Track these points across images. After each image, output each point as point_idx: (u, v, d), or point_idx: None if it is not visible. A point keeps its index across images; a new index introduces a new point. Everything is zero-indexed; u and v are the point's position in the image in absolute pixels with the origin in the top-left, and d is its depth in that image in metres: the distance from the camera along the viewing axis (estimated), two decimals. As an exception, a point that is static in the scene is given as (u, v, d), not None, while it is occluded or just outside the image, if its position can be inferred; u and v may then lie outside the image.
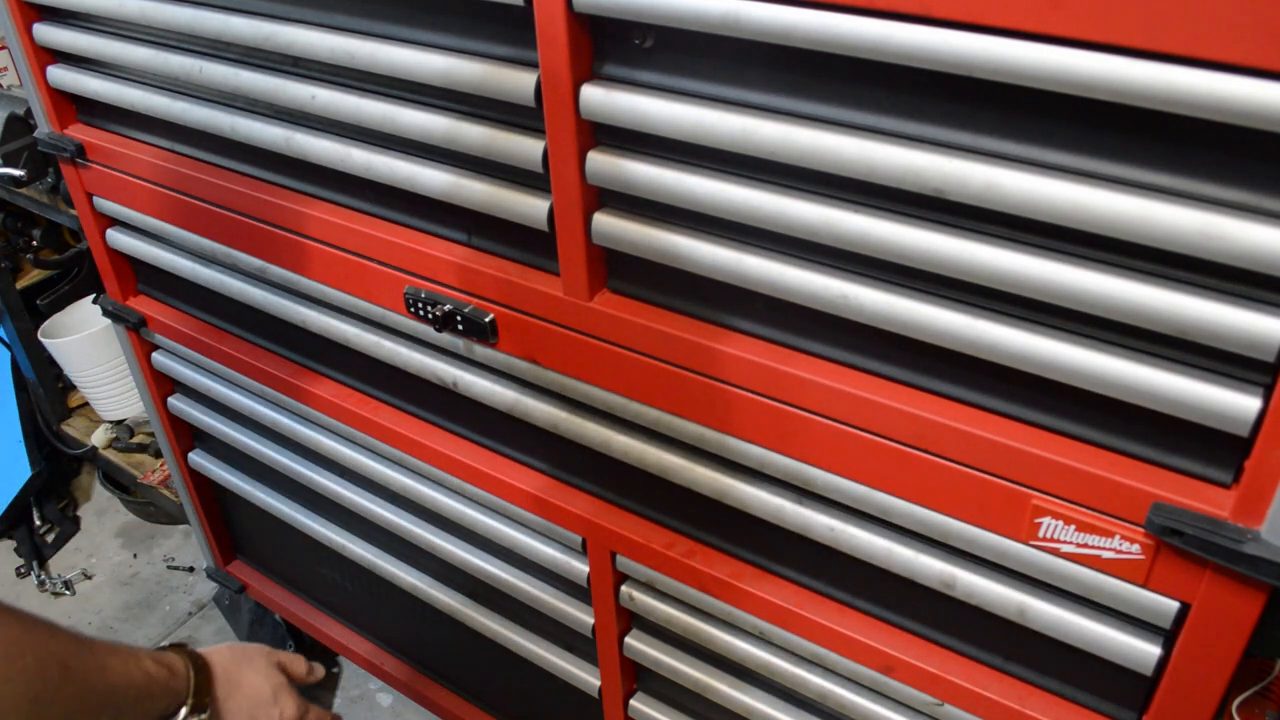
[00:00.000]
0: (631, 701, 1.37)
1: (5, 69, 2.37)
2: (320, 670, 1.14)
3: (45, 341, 2.43)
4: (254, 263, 1.38)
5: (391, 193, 1.17)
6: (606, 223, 0.98)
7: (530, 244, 1.08)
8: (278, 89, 1.18)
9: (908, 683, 1.02)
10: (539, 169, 0.98)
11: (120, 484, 2.54)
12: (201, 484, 1.90)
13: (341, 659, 2.15)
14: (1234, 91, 0.61)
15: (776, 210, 0.85)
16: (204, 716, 0.91)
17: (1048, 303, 0.76)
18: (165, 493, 2.38)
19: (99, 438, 2.47)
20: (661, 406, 1.05)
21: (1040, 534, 0.84)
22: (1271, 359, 0.69)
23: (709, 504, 1.08)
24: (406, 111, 1.07)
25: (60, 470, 2.67)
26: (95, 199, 1.58)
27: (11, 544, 2.52)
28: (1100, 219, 0.70)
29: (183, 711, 0.89)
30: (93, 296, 1.95)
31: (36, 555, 2.47)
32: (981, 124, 0.75)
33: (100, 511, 2.64)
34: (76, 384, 2.53)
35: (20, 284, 2.53)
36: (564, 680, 1.43)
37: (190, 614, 2.33)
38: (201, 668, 0.93)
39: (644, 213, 0.97)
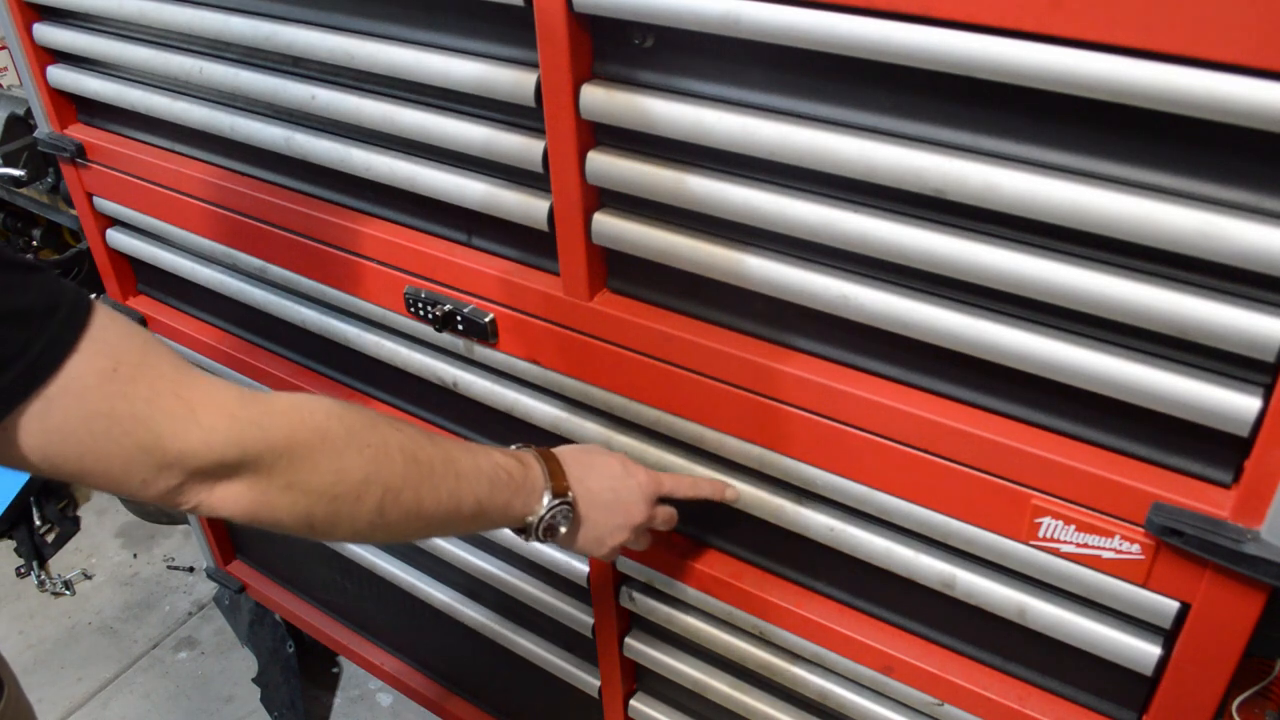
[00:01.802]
0: (631, 701, 1.37)
1: (5, 69, 2.37)
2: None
3: (45, 341, 2.42)
4: (254, 263, 1.38)
5: (391, 193, 1.17)
6: (606, 223, 0.98)
7: (530, 244, 1.08)
8: (278, 89, 1.18)
9: (908, 683, 1.02)
10: (539, 169, 0.98)
11: (120, 484, 2.53)
12: (201, 484, 1.90)
13: (341, 659, 2.15)
14: (1234, 91, 0.61)
15: (776, 210, 0.85)
16: (568, 500, 0.90)
17: (1048, 303, 0.76)
18: (165, 493, 2.38)
19: (99, 438, 2.47)
20: (661, 406, 1.05)
21: (1040, 534, 0.84)
22: (1271, 359, 0.69)
23: (708, 504, 1.08)
24: (406, 111, 1.07)
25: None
26: (95, 199, 1.58)
27: (11, 544, 2.52)
28: (1100, 219, 0.70)
29: (545, 499, 0.88)
30: (93, 296, 1.95)
31: (36, 555, 2.47)
32: (981, 124, 0.75)
33: (100, 511, 2.64)
34: (76, 384, 2.53)
35: (20, 284, 2.53)
36: (564, 680, 1.43)
37: (190, 614, 2.33)
38: (549, 457, 0.92)
39: (644, 213, 0.97)
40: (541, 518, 0.89)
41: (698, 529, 1.15)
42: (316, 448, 0.73)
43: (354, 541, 0.86)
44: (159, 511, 2.52)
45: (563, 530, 0.92)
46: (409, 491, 0.79)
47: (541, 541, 0.92)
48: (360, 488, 0.76)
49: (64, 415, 0.62)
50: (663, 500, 1.01)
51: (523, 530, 0.91)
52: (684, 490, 1.02)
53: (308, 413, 0.73)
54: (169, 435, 0.65)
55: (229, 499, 0.70)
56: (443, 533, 0.90)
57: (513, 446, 0.93)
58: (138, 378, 0.65)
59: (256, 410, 0.70)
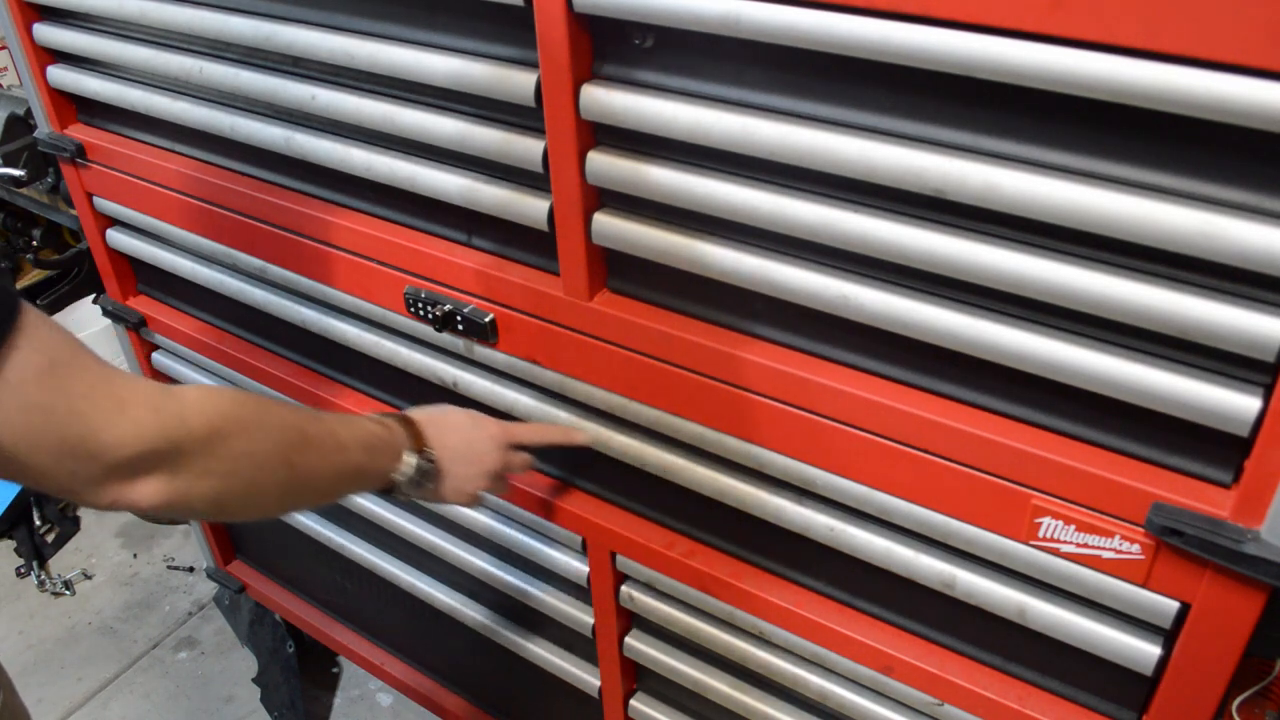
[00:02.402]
0: (631, 701, 1.37)
1: (5, 69, 2.37)
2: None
3: (45, 341, 2.42)
4: (254, 263, 1.38)
5: (391, 193, 1.17)
6: (606, 223, 0.98)
7: (530, 244, 1.08)
8: (278, 89, 1.18)
9: (908, 683, 1.02)
10: (539, 169, 0.98)
11: (120, 484, 2.53)
12: (201, 484, 1.90)
13: (341, 659, 2.15)
14: (1234, 91, 0.61)
15: (776, 210, 0.85)
16: (429, 455, 0.99)
17: (1048, 303, 0.76)
18: (165, 493, 2.38)
19: (99, 438, 2.47)
20: (661, 406, 1.05)
21: (1040, 534, 0.84)
22: (1271, 359, 0.69)
23: (709, 504, 1.08)
24: (406, 112, 1.07)
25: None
26: (95, 199, 1.58)
27: (11, 544, 2.52)
28: (1100, 219, 0.70)
29: (409, 458, 0.97)
30: (93, 296, 1.95)
31: (36, 555, 2.47)
32: (981, 124, 0.75)
33: (100, 511, 2.64)
34: (76, 384, 2.53)
35: (20, 284, 2.53)
36: (564, 680, 1.43)
37: (190, 614, 2.33)
38: (407, 420, 1.01)
39: (644, 213, 0.97)
40: (408, 476, 0.97)
41: (698, 529, 1.15)
42: (230, 434, 0.78)
43: (256, 518, 0.97)
44: (159, 511, 2.52)
45: (429, 485, 1.00)
46: (305, 466, 0.86)
47: (407, 498, 1.00)
48: (267, 467, 0.82)
49: (3, 409, 0.65)
50: (518, 449, 1.11)
51: (390, 489, 0.98)
52: (534, 437, 1.13)
53: (218, 401, 0.78)
54: (100, 428, 0.69)
55: (149, 491, 0.73)
56: (329, 499, 0.99)
57: (373, 415, 0.99)
58: (71, 374, 0.68)
59: (175, 404, 0.74)
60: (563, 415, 1.15)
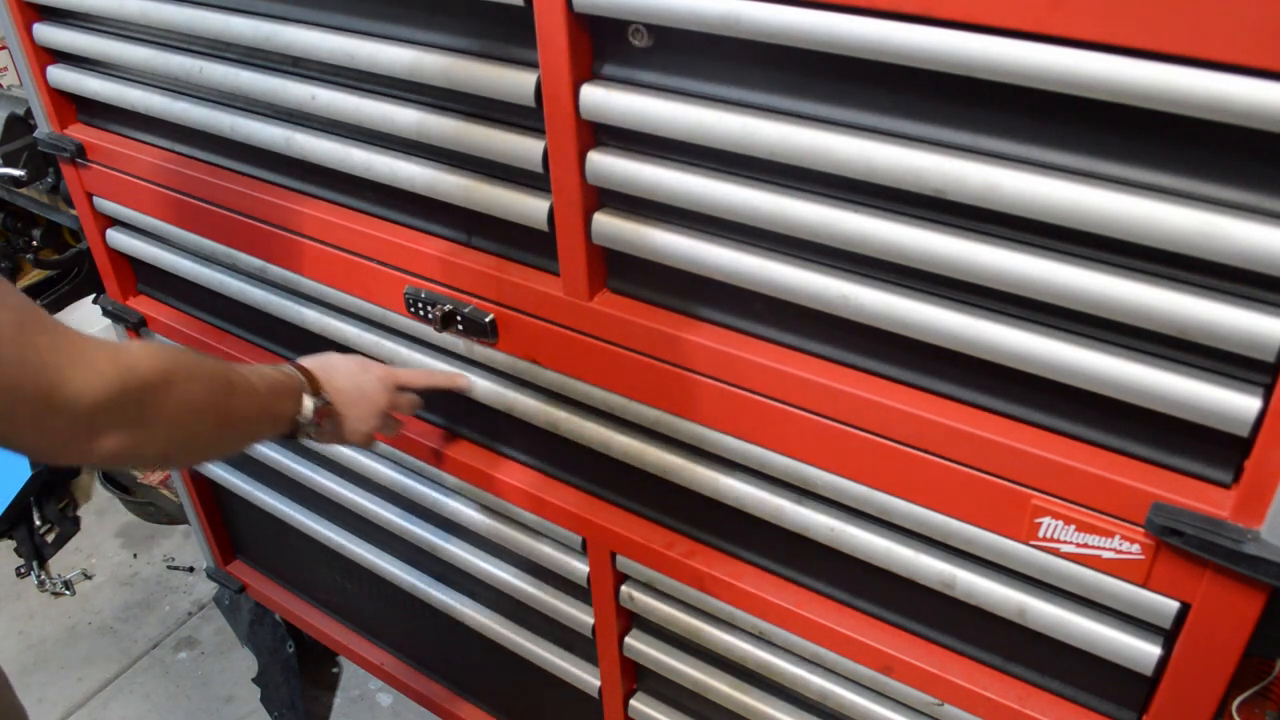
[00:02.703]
0: (631, 701, 1.37)
1: (5, 69, 2.37)
2: None
3: (45, 341, 2.42)
4: (254, 263, 1.38)
5: (391, 193, 1.17)
6: (606, 223, 0.98)
7: (530, 244, 1.08)
8: (278, 89, 1.18)
9: (908, 683, 1.02)
10: (539, 169, 0.98)
11: (120, 484, 2.54)
12: (201, 484, 1.90)
13: (341, 659, 2.15)
14: (1234, 91, 0.61)
15: (776, 210, 0.85)
16: (324, 397, 1.07)
17: (1048, 303, 0.76)
18: (165, 493, 2.38)
19: (99, 438, 2.47)
20: (661, 406, 1.05)
21: (1040, 534, 0.84)
22: (1271, 359, 0.69)
23: (709, 504, 1.08)
24: (406, 111, 1.07)
25: (60, 470, 2.67)
26: (95, 199, 1.58)
27: (11, 544, 2.52)
28: (1100, 219, 0.70)
29: (306, 399, 1.05)
30: (93, 296, 1.95)
31: (36, 555, 2.47)
32: (981, 124, 0.75)
33: (100, 511, 2.64)
34: (76, 384, 2.53)
35: (20, 284, 2.53)
36: (564, 680, 1.43)
37: (190, 614, 2.33)
38: (301, 368, 1.09)
39: (644, 213, 0.97)
40: (308, 418, 1.04)
41: (698, 529, 1.15)
42: (174, 381, 0.84)
43: (195, 462, 1.10)
44: (159, 511, 2.52)
45: (326, 426, 1.08)
46: (231, 411, 0.94)
47: (311, 438, 1.07)
48: (205, 412, 0.89)
49: None
50: (404, 391, 1.18)
51: (294, 432, 1.05)
52: (419, 381, 1.21)
53: (158, 351, 0.84)
54: (68, 380, 0.73)
55: (108, 444, 0.78)
56: (246, 443, 1.06)
57: (270, 365, 1.06)
58: (39, 331, 0.72)
59: (127, 355, 0.80)
60: (563, 415, 1.15)
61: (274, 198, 1.28)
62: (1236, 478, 0.76)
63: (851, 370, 0.92)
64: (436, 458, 1.33)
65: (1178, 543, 0.76)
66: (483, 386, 1.22)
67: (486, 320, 1.12)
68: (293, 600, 1.93)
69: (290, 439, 1.06)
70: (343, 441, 1.13)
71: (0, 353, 0.69)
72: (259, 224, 1.32)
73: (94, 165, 1.51)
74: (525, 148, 0.98)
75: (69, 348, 0.74)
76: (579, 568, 1.26)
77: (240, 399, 0.95)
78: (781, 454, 0.98)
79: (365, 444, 1.17)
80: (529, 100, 0.94)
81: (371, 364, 1.16)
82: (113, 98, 1.41)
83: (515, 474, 1.27)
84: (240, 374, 0.97)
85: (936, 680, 1.00)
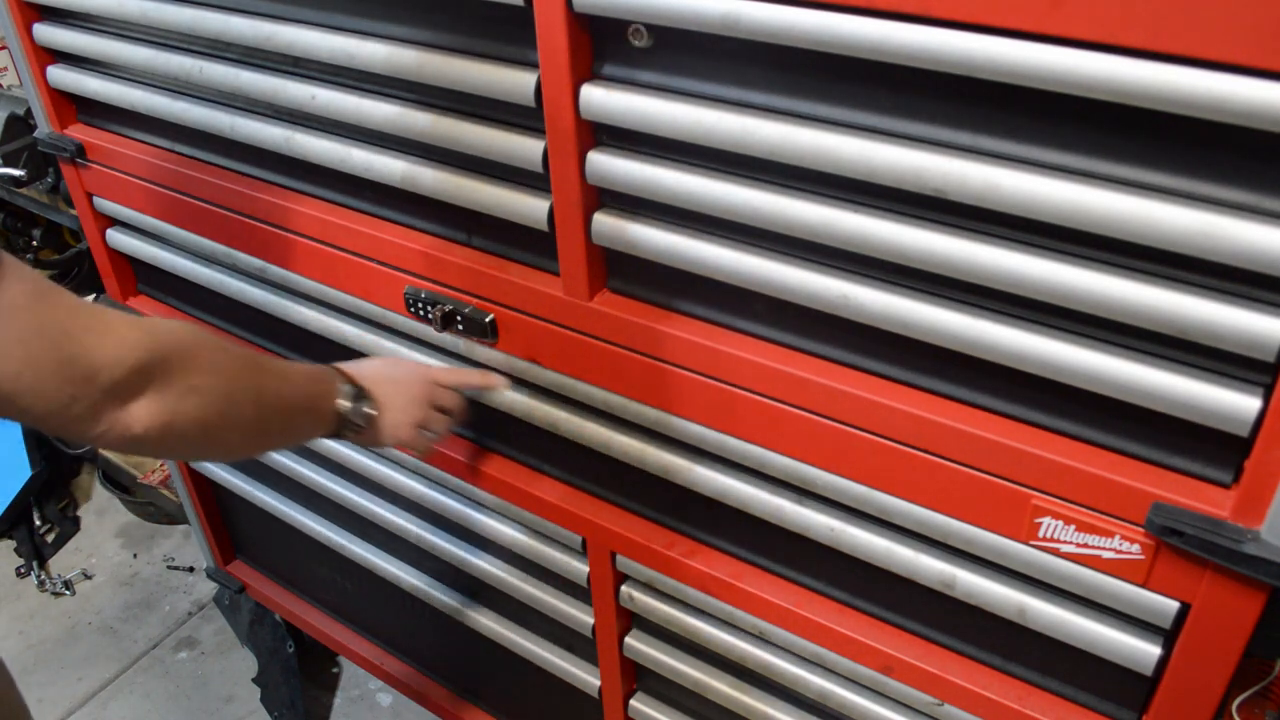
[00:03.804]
0: (631, 701, 1.37)
1: (5, 69, 2.37)
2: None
3: (45, 341, 2.42)
4: (254, 263, 1.38)
5: (391, 192, 1.17)
6: (606, 223, 0.98)
7: (530, 244, 1.08)
8: (278, 89, 1.18)
9: (908, 683, 1.02)
10: (539, 169, 0.98)
11: (120, 484, 2.54)
12: (201, 484, 1.90)
13: (341, 659, 2.15)
14: (1234, 91, 0.61)
15: (776, 210, 0.85)
16: (361, 387, 1.03)
17: (1048, 303, 0.76)
18: (165, 493, 2.38)
19: (99, 438, 2.47)
20: (661, 406, 1.05)
21: (1040, 534, 0.84)
22: (1271, 359, 0.69)
23: (709, 504, 1.08)
24: (407, 111, 1.07)
25: (60, 470, 2.67)
26: (95, 199, 1.58)
27: (11, 544, 2.52)
28: (1100, 219, 0.70)
29: (343, 387, 1.01)
30: (93, 296, 1.95)
31: (36, 555, 2.47)
32: (981, 124, 0.75)
33: (100, 511, 2.64)
34: (76, 384, 2.53)
35: (20, 284, 2.53)
36: (564, 680, 1.43)
37: (190, 614, 2.33)
38: (331, 366, 1.05)
39: (644, 213, 0.97)
40: (348, 406, 1.01)
41: (698, 529, 1.15)
42: (200, 347, 0.83)
43: (243, 447, 0.99)
44: (159, 511, 2.52)
45: (369, 414, 1.03)
46: (266, 390, 0.91)
47: (356, 432, 1.03)
48: (238, 384, 0.87)
49: (2, 340, 0.68)
50: (442, 389, 1.13)
51: (338, 429, 1.02)
52: (452, 378, 1.15)
53: (182, 324, 0.84)
54: (93, 347, 0.73)
55: (142, 414, 0.76)
56: (291, 433, 1.00)
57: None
58: (57, 300, 0.72)
59: (150, 323, 0.79)
60: (563, 415, 1.15)
61: (274, 198, 1.28)
62: (1236, 478, 0.76)
63: (851, 370, 0.92)
64: (436, 458, 1.33)
65: (1178, 543, 0.76)
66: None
67: (486, 320, 1.12)
68: (293, 600, 1.93)
69: (335, 437, 1.03)
70: (384, 438, 1.07)
71: (19, 323, 0.68)
72: (259, 224, 1.32)
73: (94, 165, 1.52)
74: (525, 148, 0.98)
75: (89, 316, 0.73)
76: (579, 568, 1.26)
77: (272, 379, 0.92)
78: (781, 454, 0.98)
79: (411, 439, 1.10)
80: (529, 100, 0.94)
81: (403, 360, 1.13)
82: (113, 98, 1.41)
83: (515, 474, 1.27)
84: (267, 357, 0.95)
85: (936, 680, 1.00)
